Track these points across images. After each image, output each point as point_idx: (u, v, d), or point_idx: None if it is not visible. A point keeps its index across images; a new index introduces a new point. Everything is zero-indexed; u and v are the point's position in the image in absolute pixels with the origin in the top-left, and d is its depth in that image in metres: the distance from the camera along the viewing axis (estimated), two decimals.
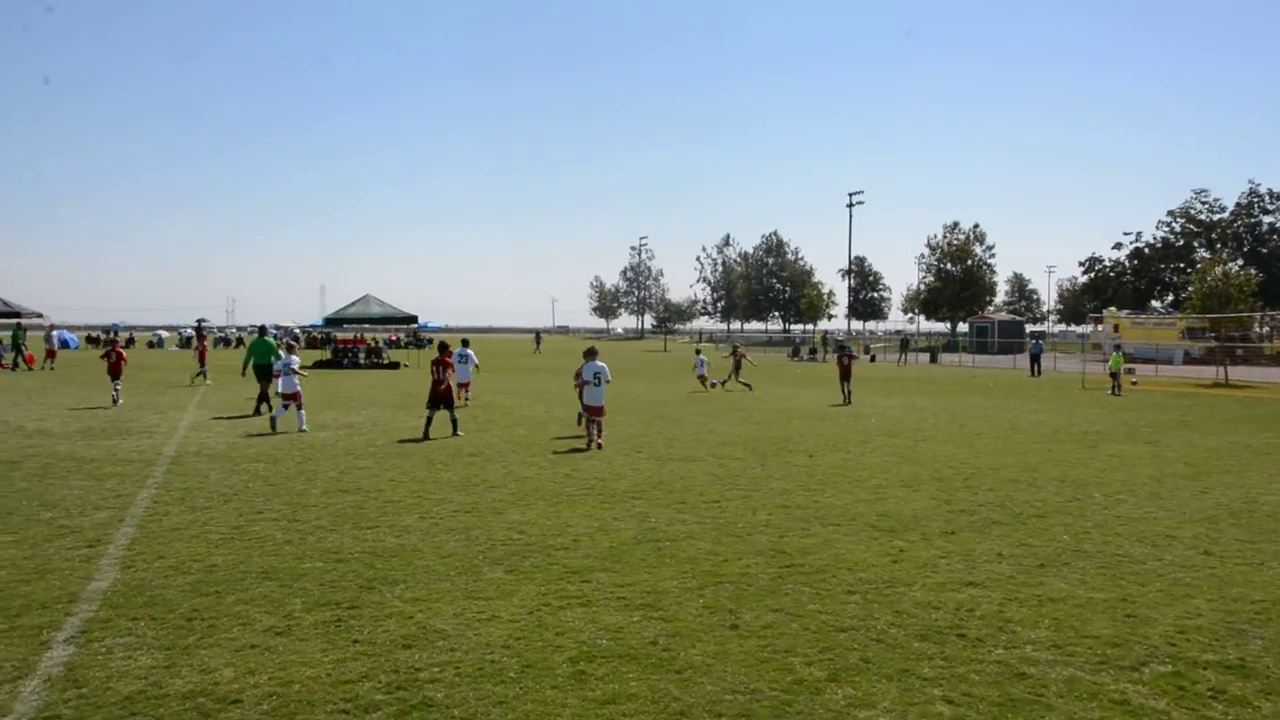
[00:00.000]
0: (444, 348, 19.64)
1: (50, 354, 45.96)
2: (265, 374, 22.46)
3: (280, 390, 20.43)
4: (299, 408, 20.08)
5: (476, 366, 27.06)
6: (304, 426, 19.64)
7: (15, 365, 43.12)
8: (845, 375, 29.67)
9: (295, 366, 20.42)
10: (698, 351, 32.17)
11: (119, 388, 26.02)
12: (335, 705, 5.68)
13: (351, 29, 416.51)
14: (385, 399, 28.14)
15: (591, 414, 17.88)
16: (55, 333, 52.55)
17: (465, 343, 28.00)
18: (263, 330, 25.92)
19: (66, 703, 5.69)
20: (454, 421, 19.03)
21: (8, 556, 9.10)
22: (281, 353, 21.18)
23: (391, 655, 6.51)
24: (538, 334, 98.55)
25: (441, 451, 16.55)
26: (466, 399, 25.69)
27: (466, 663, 6.37)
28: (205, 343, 38.14)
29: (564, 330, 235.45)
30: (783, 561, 9.13)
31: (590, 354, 18.98)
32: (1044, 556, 9.44)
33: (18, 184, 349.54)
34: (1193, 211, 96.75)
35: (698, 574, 8.66)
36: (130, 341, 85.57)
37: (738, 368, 35.31)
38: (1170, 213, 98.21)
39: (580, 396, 19.11)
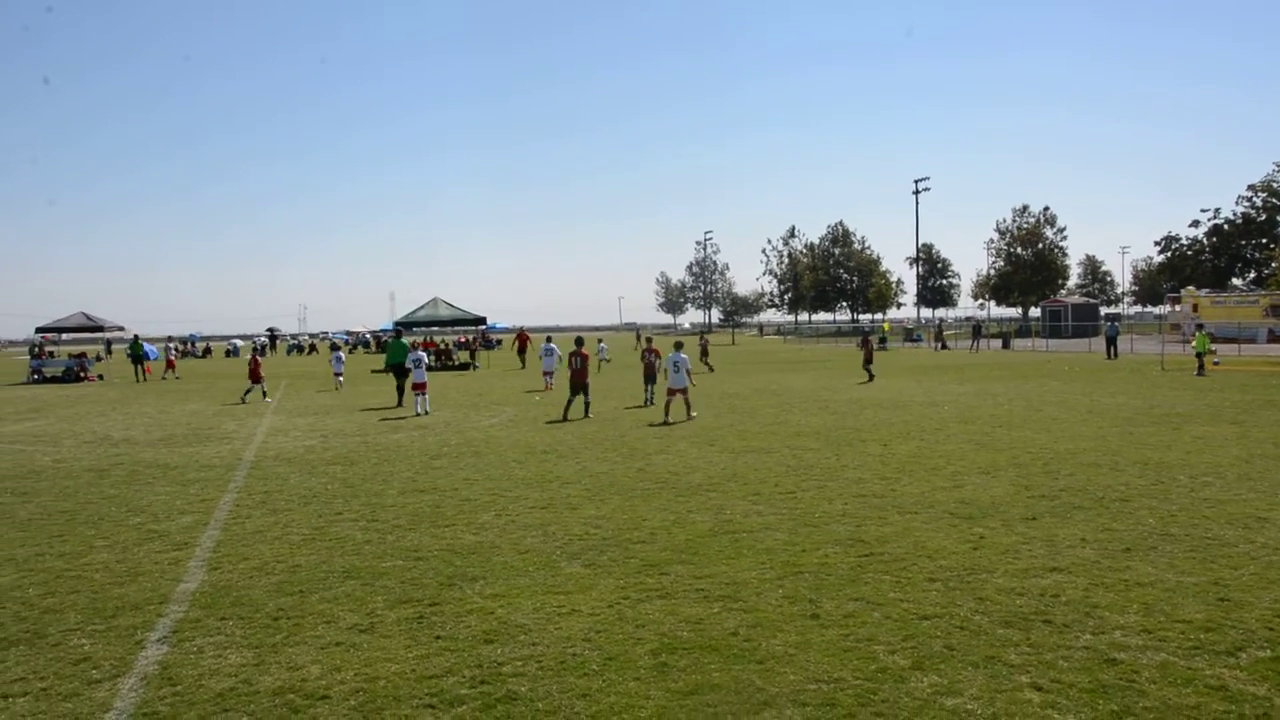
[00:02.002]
0: (580, 342, 23.28)
1: (170, 364, 48.48)
2: (401, 370, 26.64)
3: (412, 380, 24.44)
4: (424, 395, 24.08)
5: (560, 358, 30.89)
6: (428, 409, 23.88)
7: (138, 377, 44.68)
8: (868, 359, 33.59)
9: (424, 362, 24.69)
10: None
11: (264, 389, 30.50)
12: (420, 700, 5.74)
13: (422, 31, 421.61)
14: (458, 399, 28.43)
15: (672, 394, 21.04)
16: (170, 344, 54.68)
17: (548, 339, 34.53)
18: (399, 333, 31.19)
19: (162, 700, 5.83)
20: (587, 405, 22.34)
21: (101, 560, 9.36)
22: (417, 353, 25.27)
23: (474, 650, 6.56)
24: (637, 333, 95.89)
25: (515, 450, 16.68)
26: (550, 384, 31.48)
27: (548, 656, 6.40)
28: (257, 356, 32.78)
29: (631, 327, 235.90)
30: (861, 550, 9.04)
31: (678, 345, 22.11)
32: (1129, 541, 9.23)
33: (82, 198, 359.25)
34: (1275, 185, 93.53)
35: (776, 564, 8.61)
36: (207, 351, 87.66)
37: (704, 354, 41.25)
38: (1251, 186, 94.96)
39: (643, 377, 25.44)
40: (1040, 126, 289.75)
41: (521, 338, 51.76)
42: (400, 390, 26.76)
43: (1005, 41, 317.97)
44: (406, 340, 28.59)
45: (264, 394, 30.36)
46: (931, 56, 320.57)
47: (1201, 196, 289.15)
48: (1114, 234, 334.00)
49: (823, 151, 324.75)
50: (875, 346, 37.71)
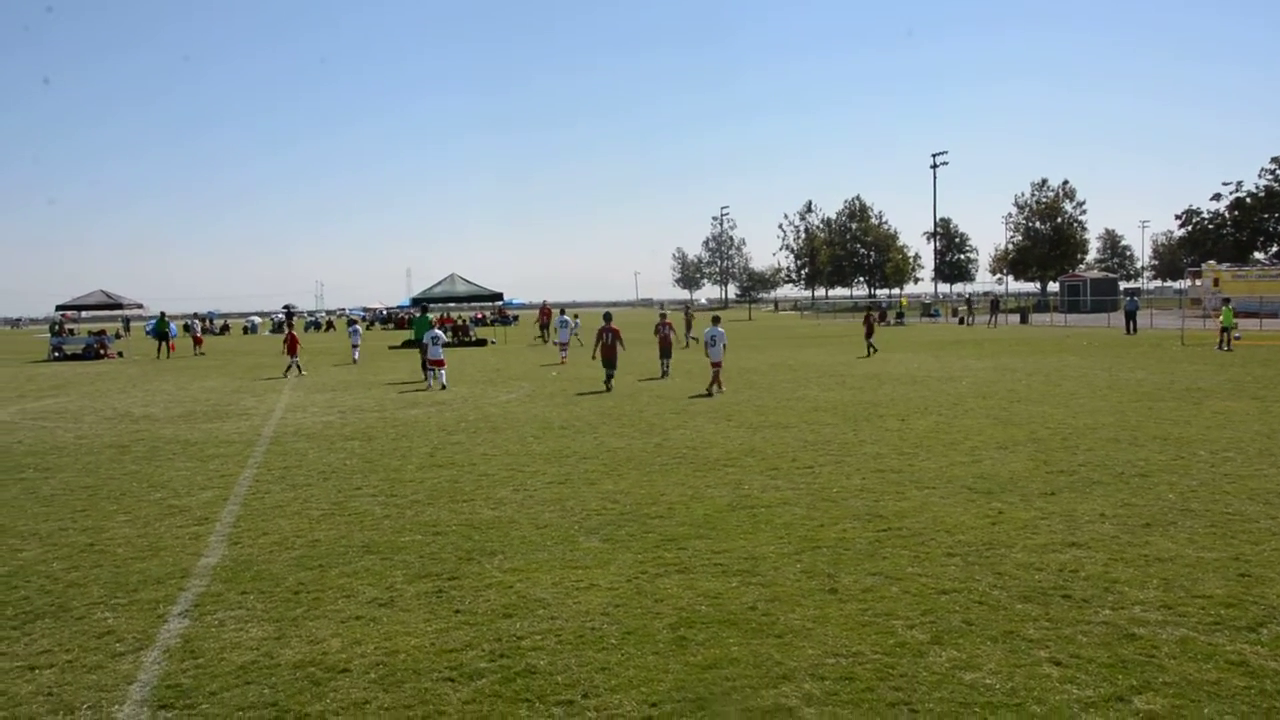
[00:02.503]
0: (609, 317, 24.23)
1: (197, 340, 48.40)
2: (423, 346, 27.15)
3: (429, 357, 25.14)
4: (442, 370, 24.80)
5: (573, 330, 32.94)
6: (445, 384, 24.45)
7: (161, 354, 44.13)
8: (869, 333, 34.47)
9: (442, 340, 25.80)
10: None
11: (299, 362, 30.60)
12: (440, 673, 5.78)
13: (438, 18, 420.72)
14: (475, 375, 28.48)
15: (714, 366, 21.59)
16: (196, 321, 54.80)
17: (563, 311, 35.85)
18: (424, 310, 34.34)
19: (185, 672, 5.89)
20: (610, 379, 23.02)
21: (123, 535, 9.44)
22: (436, 330, 26.59)
23: (493, 624, 6.60)
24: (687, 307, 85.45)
25: (533, 425, 16.71)
26: (563, 357, 32.98)
27: (567, 630, 6.43)
28: (294, 331, 32.79)
29: (648, 302, 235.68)
30: (879, 525, 9.04)
31: (715, 320, 23.09)
32: (1149, 516, 9.19)
33: (101, 180, 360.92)
34: None
35: (794, 539, 8.61)
36: (225, 328, 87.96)
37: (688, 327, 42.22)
38: (1274, 159, 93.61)
39: (659, 352, 26.22)
40: (1060, 102, 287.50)
41: (545, 312, 51.84)
42: (424, 365, 27.19)
43: (1027, 18, 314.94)
44: (431, 316, 30.50)
45: (299, 369, 30.49)
46: (949, 34, 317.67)
47: (1223, 170, 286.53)
48: (1134, 208, 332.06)
49: (841, 129, 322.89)
50: (891, 322, 37.90)
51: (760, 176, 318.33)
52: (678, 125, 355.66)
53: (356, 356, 36.05)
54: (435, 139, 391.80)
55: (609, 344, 23.11)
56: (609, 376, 23.00)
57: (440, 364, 24.86)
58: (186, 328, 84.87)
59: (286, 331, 32.33)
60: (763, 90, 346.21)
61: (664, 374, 25.20)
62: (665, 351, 25.64)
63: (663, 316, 27.10)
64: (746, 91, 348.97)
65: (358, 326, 39.74)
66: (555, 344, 34.23)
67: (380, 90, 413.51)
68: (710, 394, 20.81)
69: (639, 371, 27.15)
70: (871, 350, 33.67)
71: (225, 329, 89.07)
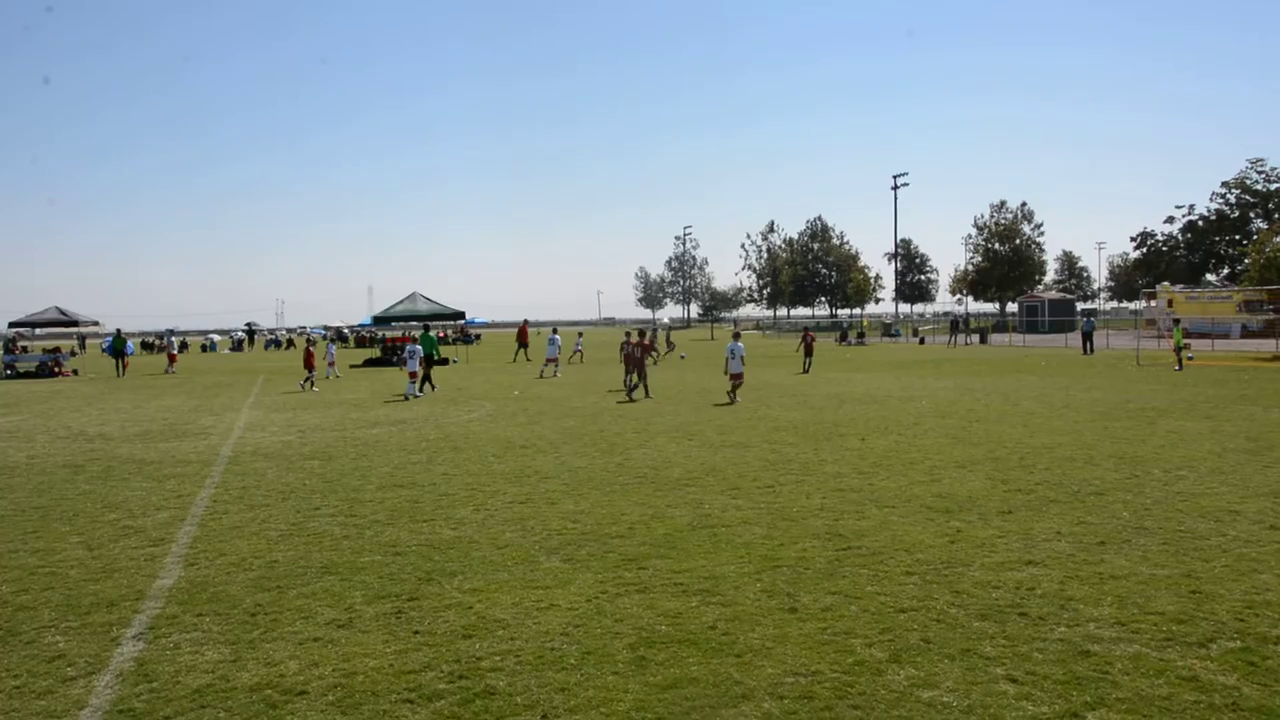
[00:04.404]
0: (642, 334, 27.12)
1: (171, 359, 48.32)
2: (430, 359, 29.90)
3: (408, 368, 27.91)
4: (414, 382, 27.58)
5: (560, 347, 34.01)
6: (417, 394, 27.32)
7: (119, 371, 43.87)
8: (808, 351, 36.56)
9: (419, 354, 28.27)
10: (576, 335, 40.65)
11: (312, 377, 31.97)
12: (399, 695, 5.74)
13: (408, 24, 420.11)
14: (437, 395, 28.35)
15: (732, 379, 23.72)
16: (172, 337, 54.05)
17: (554, 330, 38.48)
18: (427, 328, 36.52)
19: (139, 696, 5.80)
20: (646, 388, 25.54)
21: (76, 556, 9.30)
22: (415, 347, 28.75)
23: (452, 645, 6.56)
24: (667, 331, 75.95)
25: (494, 444, 16.66)
26: (556, 372, 36.00)
27: (527, 651, 6.41)
28: (311, 349, 34.22)
29: (610, 322, 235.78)
30: (839, 544, 9.09)
31: (735, 336, 25.73)
32: (1104, 534, 9.31)
33: (53, 192, 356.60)
34: (1249, 181, 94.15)
35: (754, 559, 8.64)
36: (184, 346, 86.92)
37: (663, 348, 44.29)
38: (1225, 184, 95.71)
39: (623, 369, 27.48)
40: (1018, 121, 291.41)
41: (523, 330, 51.69)
42: (425, 378, 29.29)
43: (983, 34, 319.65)
44: (434, 334, 33.26)
45: (312, 384, 31.60)
46: (909, 50, 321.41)
47: (1177, 192, 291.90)
48: (1091, 230, 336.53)
49: (802, 147, 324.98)
50: (853, 341, 38.79)
51: (723, 197, 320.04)
52: (644, 143, 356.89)
53: (333, 374, 38.03)
54: (400, 152, 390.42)
55: (637, 356, 25.52)
56: (637, 385, 25.43)
57: (415, 376, 27.62)
58: (151, 346, 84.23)
59: (305, 349, 34.05)
60: (728, 109, 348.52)
61: (628, 392, 25.63)
62: (630, 369, 25.93)
63: (626, 335, 27.50)
64: (713, 110, 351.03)
65: (332, 346, 41.32)
66: (548, 361, 36.79)
67: (343, 101, 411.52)
68: (732, 401, 23.19)
69: (599, 393, 27.14)
70: (807, 367, 35.90)
71: (184, 347, 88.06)
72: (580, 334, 52.75)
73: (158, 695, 5.82)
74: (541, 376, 35.08)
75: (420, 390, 28.29)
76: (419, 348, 28.57)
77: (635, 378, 25.52)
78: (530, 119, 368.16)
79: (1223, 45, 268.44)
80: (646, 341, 27.04)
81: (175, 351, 48.93)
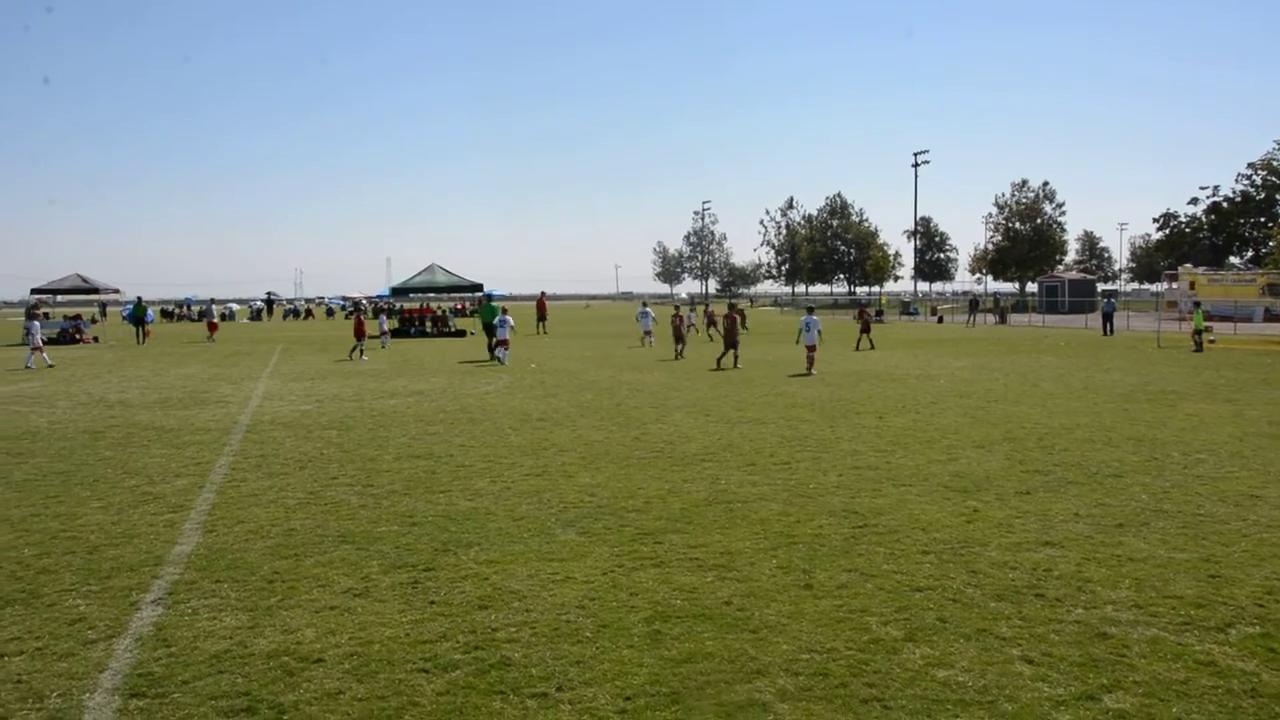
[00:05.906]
0: (732, 306, 29.65)
1: (212, 327, 48.01)
2: (491, 329, 31.13)
3: (497, 337, 29.66)
4: (505, 349, 29.31)
5: (513, 328, 31.52)
6: (506, 362, 28.63)
7: (139, 339, 44.14)
8: (865, 328, 35.87)
9: (510, 324, 29.86)
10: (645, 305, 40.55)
11: (361, 345, 32.46)
12: (414, 664, 5.76)
13: (421, 3, 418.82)
14: (453, 366, 28.42)
15: (808, 350, 25.47)
16: (213, 306, 54.33)
17: (504, 310, 34.37)
18: (489, 297, 38.01)
19: (157, 661, 5.85)
20: (736, 357, 27.21)
21: (96, 522, 9.37)
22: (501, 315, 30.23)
23: (468, 616, 6.59)
24: (695, 301, 79.93)
25: (511, 417, 16.69)
26: (650, 342, 37.33)
27: (542, 623, 6.43)
28: (363, 317, 35.81)
29: (628, 296, 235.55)
30: (856, 522, 9.07)
31: (809, 310, 28.39)
32: (1122, 516, 9.26)
33: (81, 165, 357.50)
34: (1275, 163, 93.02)
35: (770, 535, 8.63)
36: (202, 315, 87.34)
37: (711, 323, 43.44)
38: (1251, 165, 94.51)
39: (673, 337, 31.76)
40: (1041, 104, 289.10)
41: (540, 303, 51.73)
42: (491, 347, 30.82)
43: (1009, 20, 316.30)
44: (495, 304, 33.90)
45: (361, 353, 32.09)
46: (934, 33, 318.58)
47: (1201, 174, 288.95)
48: (1113, 211, 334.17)
49: (823, 126, 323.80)
50: (871, 319, 38.09)
51: (743, 171, 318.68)
52: (663, 116, 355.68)
53: (385, 342, 39.44)
54: (418, 126, 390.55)
55: (729, 328, 27.66)
56: (726, 355, 27.49)
57: (504, 344, 29.30)
58: (171, 314, 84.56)
59: (355, 318, 34.80)
60: (750, 84, 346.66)
61: (678, 355, 30.56)
62: (678, 337, 31.22)
63: (675, 309, 33.14)
64: (734, 84, 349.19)
65: (384, 318, 42.29)
66: (645, 334, 37.74)
67: (363, 75, 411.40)
68: (809, 374, 24.33)
69: (618, 367, 27.13)
70: (863, 344, 34.89)
71: (230, 315, 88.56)
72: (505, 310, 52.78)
73: (176, 660, 5.86)
74: (644, 345, 36.68)
75: (492, 355, 30.13)
76: (509, 318, 30.03)
77: (725, 347, 27.72)
78: (552, 101, 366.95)
79: (1251, 34, 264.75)
80: (734, 313, 29.03)
81: (215, 320, 48.98)
